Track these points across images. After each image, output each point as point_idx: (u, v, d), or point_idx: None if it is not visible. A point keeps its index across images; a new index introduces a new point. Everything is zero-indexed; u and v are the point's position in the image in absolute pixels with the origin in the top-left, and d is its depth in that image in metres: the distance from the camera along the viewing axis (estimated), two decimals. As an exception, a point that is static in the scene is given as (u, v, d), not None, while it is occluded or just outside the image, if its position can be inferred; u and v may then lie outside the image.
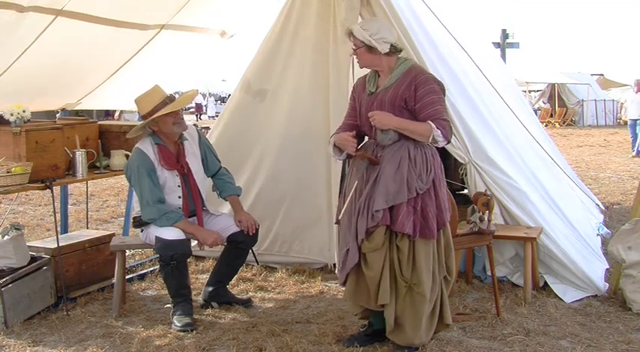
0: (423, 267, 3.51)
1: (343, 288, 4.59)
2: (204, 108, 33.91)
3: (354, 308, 3.78)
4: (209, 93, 35.17)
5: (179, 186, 4.29)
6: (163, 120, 4.20)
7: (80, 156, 4.59)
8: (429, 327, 3.63)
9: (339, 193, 3.87)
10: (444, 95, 3.64)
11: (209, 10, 5.51)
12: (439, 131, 3.49)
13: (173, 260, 4.10)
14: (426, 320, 3.60)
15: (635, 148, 14.52)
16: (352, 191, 3.62)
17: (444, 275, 3.65)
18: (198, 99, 33.31)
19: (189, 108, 32.52)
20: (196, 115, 32.56)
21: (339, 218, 3.66)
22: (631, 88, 16.45)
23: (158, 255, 4.22)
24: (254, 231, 4.42)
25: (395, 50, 3.65)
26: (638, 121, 15.01)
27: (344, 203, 3.66)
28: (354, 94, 3.86)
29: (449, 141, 3.64)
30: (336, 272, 5.05)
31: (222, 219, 4.48)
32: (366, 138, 3.80)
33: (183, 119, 4.29)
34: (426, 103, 3.52)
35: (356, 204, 3.59)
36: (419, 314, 3.55)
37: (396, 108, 3.56)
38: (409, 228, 3.46)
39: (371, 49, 3.60)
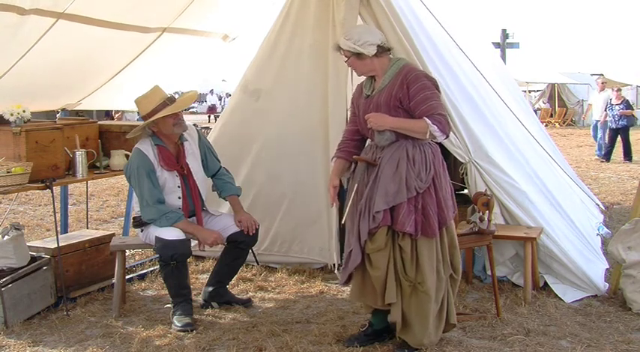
0: (426, 266, 3.52)
1: (343, 288, 4.63)
2: (219, 108, 33.96)
3: (365, 308, 3.79)
4: (226, 95, 35.23)
5: (179, 186, 4.29)
6: (163, 121, 4.21)
7: (80, 156, 4.59)
8: (437, 326, 3.63)
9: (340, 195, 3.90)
10: (438, 90, 3.65)
11: (211, 14, 5.51)
12: (435, 126, 3.50)
13: (173, 260, 4.11)
14: (434, 319, 3.59)
15: (601, 150, 14.00)
16: (353, 193, 3.65)
17: (449, 274, 3.66)
18: (213, 100, 33.32)
19: (189, 109, 32.46)
20: (209, 116, 32.57)
21: (342, 222, 3.70)
22: (632, 88, 16.36)
23: (158, 255, 4.22)
24: (254, 231, 4.42)
25: (383, 50, 3.66)
26: (599, 122, 14.43)
27: (346, 205, 3.68)
28: (353, 100, 3.90)
29: (447, 136, 3.64)
30: (336, 272, 5.06)
31: (222, 219, 4.48)
32: (368, 140, 3.83)
33: (183, 120, 4.30)
34: (419, 100, 3.53)
35: (357, 205, 3.61)
36: (425, 313, 3.55)
37: (392, 109, 3.58)
38: (409, 227, 3.48)
39: (359, 55, 3.63)
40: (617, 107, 13.86)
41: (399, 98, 3.57)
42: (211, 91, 32.65)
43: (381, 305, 3.61)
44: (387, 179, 3.51)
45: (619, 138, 13.76)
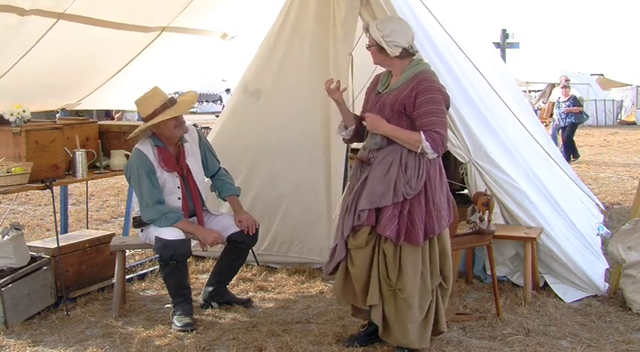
0: (409, 273, 3.47)
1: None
2: None
3: (342, 304, 3.79)
4: None
5: (179, 187, 4.29)
6: (165, 123, 4.20)
7: (80, 156, 4.59)
8: (422, 333, 3.55)
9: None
10: (447, 107, 3.58)
11: (210, 13, 5.51)
12: (428, 143, 3.43)
13: (173, 260, 4.11)
14: (418, 326, 3.53)
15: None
16: (346, 189, 3.66)
17: (438, 283, 3.59)
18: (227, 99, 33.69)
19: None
20: None
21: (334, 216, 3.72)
22: (632, 88, 16.09)
23: (158, 255, 4.22)
24: (254, 231, 4.42)
25: (407, 54, 3.58)
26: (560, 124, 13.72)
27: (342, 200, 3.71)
28: (367, 91, 3.85)
29: (439, 154, 3.54)
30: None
31: (222, 219, 4.48)
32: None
33: (184, 122, 4.30)
34: (422, 112, 3.47)
35: (346, 201, 3.62)
36: (402, 319, 3.50)
37: (395, 113, 3.54)
38: (390, 232, 3.44)
39: (382, 49, 3.57)
40: (563, 104, 13.43)
41: (404, 104, 3.51)
42: (227, 90, 32.99)
43: (361, 305, 3.61)
44: (376, 180, 3.50)
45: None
